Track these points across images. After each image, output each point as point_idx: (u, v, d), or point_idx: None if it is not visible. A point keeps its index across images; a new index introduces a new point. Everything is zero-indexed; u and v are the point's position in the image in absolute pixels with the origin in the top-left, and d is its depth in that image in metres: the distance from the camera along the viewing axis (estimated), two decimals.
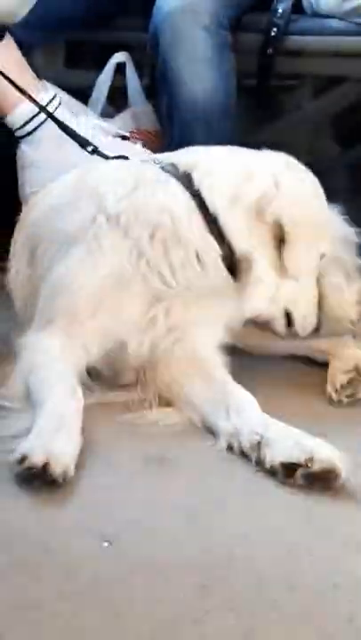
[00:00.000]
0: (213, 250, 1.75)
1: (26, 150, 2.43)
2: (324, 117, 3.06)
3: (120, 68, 2.76)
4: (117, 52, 2.81)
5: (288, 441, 1.51)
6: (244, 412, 1.62)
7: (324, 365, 2.02)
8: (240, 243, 1.75)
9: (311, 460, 1.45)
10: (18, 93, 2.31)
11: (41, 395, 1.62)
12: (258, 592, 1.23)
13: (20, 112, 2.38)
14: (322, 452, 1.47)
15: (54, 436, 1.49)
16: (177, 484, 1.51)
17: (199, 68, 2.44)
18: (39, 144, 2.41)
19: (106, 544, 1.32)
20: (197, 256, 1.75)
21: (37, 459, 1.43)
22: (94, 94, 2.73)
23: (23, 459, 1.44)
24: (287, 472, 1.47)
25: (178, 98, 2.41)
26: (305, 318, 1.87)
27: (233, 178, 1.79)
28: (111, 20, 2.84)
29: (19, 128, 2.41)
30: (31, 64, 2.54)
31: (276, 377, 1.99)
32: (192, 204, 1.76)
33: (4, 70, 2.27)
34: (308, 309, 1.87)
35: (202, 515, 1.42)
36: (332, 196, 1.94)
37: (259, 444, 1.53)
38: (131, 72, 2.72)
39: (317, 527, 1.39)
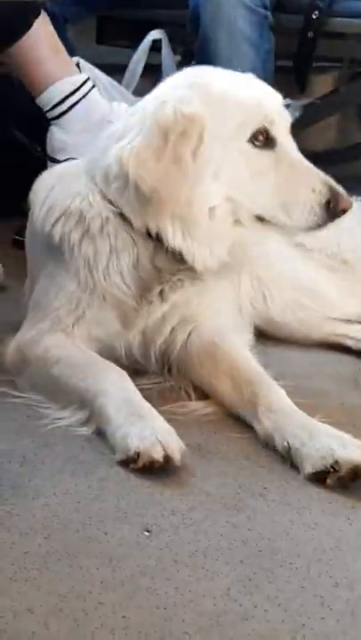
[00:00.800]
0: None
1: (56, 132, 2.40)
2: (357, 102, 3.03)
3: (154, 46, 2.72)
4: (147, 29, 2.79)
5: (315, 445, 1.48)
6: (274, 414, 1.58)
7: (359, 354, 2.00)
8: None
9: (337, 463, 1.43)
10: (50, 73, 2.28)
11: (90, 382, 1.61)
12: (304, 588, 1.21)
13: (51, 93, 2.34)
14: (347, 453, 1.44)
15: (149, 423, 1.48)
16: (215, 473, 1.49)
17: (239, 46, 2.42)
18: (70, 127, 2.37)
19: (147, 534, 1.31)
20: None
21: (156, 453, 1.43)
22: (129, 71, 2.71)
23: (137, 454, 1.43)
24: (318, 480, 1.45)
25: None
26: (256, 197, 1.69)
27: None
28: None
29: (50, 109, 2.36)
30: (64, 39, 2.51)
31: (308, 365, 1.98)
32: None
33: (38, 49, 2.24)
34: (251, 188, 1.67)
35: (242, 505, 1.40)
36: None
37: (289, 451, 1.51)
38: (166, 49, 2.69)
39: (359, 522, 1.37)
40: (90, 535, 1.30)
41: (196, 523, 1.35)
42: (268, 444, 1.56)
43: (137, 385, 1.67)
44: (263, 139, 1.64)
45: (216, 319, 1.79)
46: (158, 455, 1.43)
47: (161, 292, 1.73)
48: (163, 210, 1.63)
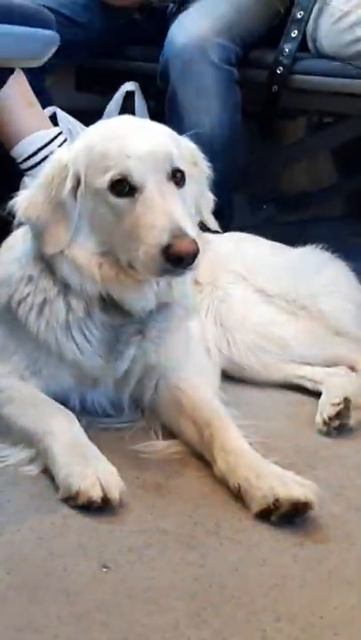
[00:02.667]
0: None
1: (28, 183, 2.49)
2: (325, 149, 3.15)
3: (128, 96, 2.84)
4: (124, 78, 2.91)
5: (259, 485, 1.55)
6: (226, 455, 1.65)
7: (317, 395, 2.08)
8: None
9: (278, 501, 1.51)
10: (23, 127, 2.37)
11: (38, 423, 1.69)
12: (248, 621, 1.29)
13: (24, 145, 2.43)
14: (287, 490, 1.52)
15: (91, 463, 1.56)
16: (173, 511, 1.56)
17: (206, 101, 2.52)
18: None
19: (105, 569, 1.39)
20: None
21: (95, 492, 1.51)
22: (103, 120, 2.80)
23: (77, 493, 1.51)
24: (264, 518, 1.53)
25: (185, 128, 2.49)
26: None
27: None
28: (120, 49, 2.93)
29: (22, 161, 2.46)
30: (42, 90, 2.62)
31: (267, 406, 2.06)
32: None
33: (11, 104, 2.34)
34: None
35: (195, 543, 1.47)
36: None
37: (239, 491, 1.59)
38: (139, 100, 2.80)
39: (306, 559, 1.45)
40: (49, 570, 1.37)
41: (151, 559, 1.42)
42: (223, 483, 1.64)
43: (109, 424, 1.82)
44: (123, 187, 1.65)
45: (180, 365, 1.86)
46: (97, 495, 1.51)
47: (121, 349, 1.79)
48: (46, 251, 1.72)
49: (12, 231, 1.93)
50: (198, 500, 1.60)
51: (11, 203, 1.78)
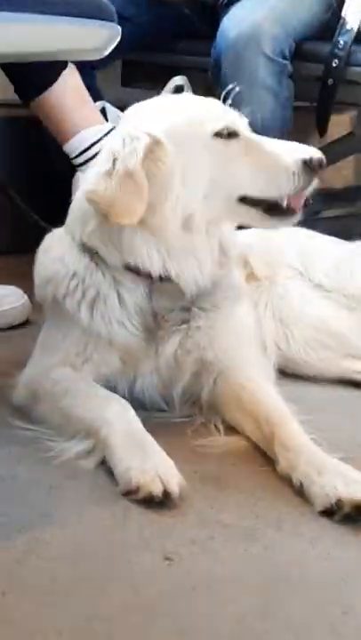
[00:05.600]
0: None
1: (81, 178, 2.50)
2: None
3: (177, 91, 2.83)
4: (171, 73, 2.90)
5: (321, 483, 1.54)
6: (287, 452, 1.64)
7: None
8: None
9: (340, 501, 1.50)
10: (76, 123, 2.38)
11: (95, 413, 1.69)
12: (314, 615, 1.28)
13: (76, 141, 2.44)
14: (349, 491, 1.50)
15: (150, 456, 1.56)
16: (233, 504, 1.56)
17: (259, 94, 2.51)
18: None
19: (167, 562, 1.39)
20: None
21: (155, 487, 1.50)
22: None
23: (137, 488, 1.51)
24: (328, 517, 1.51)
25: None
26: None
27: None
28: (167, 43, 2.93)
29: (75, 157, 2.47)
30: (92, 87, 2.63)
31: (324, 401, 2.04)
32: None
33: (65, 99, 2.35)
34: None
35: (258, 536, 1.47)
36: None
37: (302, 488, 1.58)
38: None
39: None
40: (114, 562, 1.38)
41: (214, 552, 1.42)
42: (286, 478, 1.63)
43: (169, 419, 1.82)
44: (226, 134, 1.74)
45: (238, 361, 1.85)
46: (157, 490, 1.50)
47: (163, 336, 1.80)
48: (120, 223, 1.70)
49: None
50: (259, 494, 1.60)
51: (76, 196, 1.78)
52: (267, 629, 1.24)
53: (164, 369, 1.83)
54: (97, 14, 1.45)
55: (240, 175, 1.75)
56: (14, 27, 1.28)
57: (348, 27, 2.56)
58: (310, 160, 1.74)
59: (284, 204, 1.78)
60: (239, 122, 1.78)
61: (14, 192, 2.77)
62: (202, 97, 1.87)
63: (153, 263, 1.74)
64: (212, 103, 1.82)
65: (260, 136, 1.80)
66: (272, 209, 1.78)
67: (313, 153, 1.75)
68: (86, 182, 1.76)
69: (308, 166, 1.73)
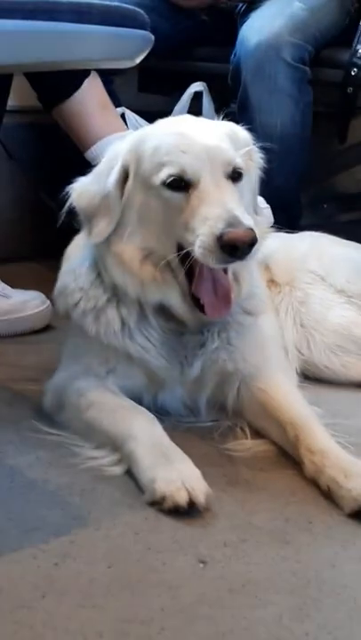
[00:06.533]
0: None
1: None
2: None
3: (195, 97, 2.85)
4: (189, 79, 2.92)
5: (348, 486, 1.55)
6: (313, 456, 1.65)
7: None
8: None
9: None
10: (98, 130, 2.40)
11: (120, 427, 1.70)
12: (351, 617, 1.29)
13: (99, 148, 2.44)
14: None
15: (175, 466, 1.56)
16: (264, 508, 1.57)
17: (279, 100, 2.52)
18: None
19: (202, 564, 1.40)
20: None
21: (180, 497, 1.50)
22: None
23: (163, 498, 1.51)
24: (356, 518, 1.52)
25: (257, 127, 2.50)
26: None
27: None
28: (186, 50, 2.95)
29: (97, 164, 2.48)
30: (111, 92, 2.64)
31: (347, 405, 2.05)
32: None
33: (87, 107, 2.36)
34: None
35: (289, 539, 1.48)
36: None
37: (329, 491, 1.59)
38: (207, 101, 2.81)
39: None
40: (149, 564, 1.39)
41: (247, 554, 1.43)
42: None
43: (193, 424, 1.83)
44: (177, 182, 1.65)
45: (260, 368, 1.85)
46: (183, 500, 1.50)
47: (189, 357, 1.80)
48: (89, 240, 1.73)
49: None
50: (288, 497, 1.61)
51: (67, 187, 1.79)
52: (306, 631, 1.25)
53: (189, 385, 1.85)
54: (131, 23, 1.47)
55: (174, 230, 1.67)
56: (51, 37, 1.30)
57: None
58: (221, 237, 1.56)
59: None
60: (204, 168, 1.64)
61: (45, 195, 2.78)
62: (202, 121, 1.77)
63: (127, 287, 1.75)
64: (185, 142, 1.66)
65: (221, 187, 1.63)
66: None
67: (230, 229, 1.56)
68: (76, 189, 1.77)
69: (222, 244, 1.57)
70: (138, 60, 1.42)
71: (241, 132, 1.80)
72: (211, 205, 1.61)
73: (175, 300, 1.75)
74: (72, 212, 1.79)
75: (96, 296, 1.81)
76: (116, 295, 1.79)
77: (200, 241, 1.60)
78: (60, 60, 1.34)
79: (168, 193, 1.66)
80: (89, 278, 1.82)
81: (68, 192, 1.77)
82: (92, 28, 1.34)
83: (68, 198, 1.77)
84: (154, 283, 1.73)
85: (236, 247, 1.57)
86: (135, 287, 1.74)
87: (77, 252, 1.90)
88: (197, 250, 1.61)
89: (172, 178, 1.65)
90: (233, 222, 1.57)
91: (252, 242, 1.58)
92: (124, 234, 1.72)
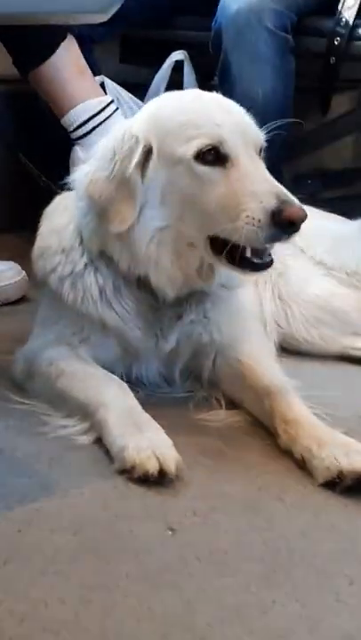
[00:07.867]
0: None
1: (79, 152, 2.47)
2: None
3: (176, 65, 2.80)
4: (170, 49, 2.87)
5: (321, 455, 1.53)
6: (287, 425, 1.63)
7: None
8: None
9: (341, 473, 1.49)
10: (74, 95, 2.35)
11: (91, 395, 1.67)
12: (320, 585, 1.27)
13: (75, 114, 2.41)
14: (350, 462, 1.49)
15: (146, 435, 1.53)
16: (236, 477, 1.55)
17: (260, 69, 2.48)
18: (91, 147, 2.44)
19: (170, 532, 1.37)
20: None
21: (151, 465, 1.47)
22: (151, 90, 2.78)
23: (133, 466, 1.48)
24: (330, 487, 1.50)
25: (237, 96, 2.44)
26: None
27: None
28: (166, 19, 2.89)
29: (73, 130, 2.44)
30: (91, 60, 2.59)
31: (324, 377, 2.04)
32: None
33: (63, 71, 2.31)
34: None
35: (260, 507, 1.46)
36: None
37: (303, 461, 1.56)
38: (188, 69, 2.77)
39: None
40: (116, 531, 1.36)
41: (217, 523, 1.41)
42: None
43: (170, 394, 1.80)
44: (212, 156, 1.61)
45: (237, 340, 1.83)
46: (153, 468, 1.48)
47: (164, 330, 1.77)
48: (110, 229, 1.67)
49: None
50: (262, 467, 1.59)
51: (70, 179, 1.76)
52: (273, 599, 1.22)
53: (164, 356, 1.82)
54: None
55: (207, 208, 1.62)
56: None
57: (349, 3, 2.52)
58: (278, 213, 1.54)
59: (248, 253, 1.63)
60: (239, 142, 1.61)
61: (25, 158, 2.74)
62: (220, 97, 1.72)
63: (121, 260, 1.71)
64: (215, 114, 1.64)
65: (251, 167, 1.60)
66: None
67: (285, 206, 1.54)
68: (84, 171, 1.72)
69: (275, 220, 1.54)
70: (110, 14, 1.37)
71: None
72: (257, 180, 1.58)
73: (176, 279, 1.70)
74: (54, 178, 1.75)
75: (74, 260, 1.77)
76: (92, 262, 1.76)
77: (247, 217, 1.55)
78: (29, 10, 1.29)
79: (201, 168, 1.61)
80: (72, 241, 1.78)
81: (71, 183, 1.74)
82: None
83: (67, 188, 1.75)
84: (154, 263, 1.68)
85: (293, 223, 1.56)
86: (132, 264, 1.69)
87: (62, 213, 1.84)
88: (244, 226, 1.56)
89: (208, 147, 1.59)
90: (285, 199, 1.56)
91: (304, 218, 1.57)
92: (142, 214, 1.66)
